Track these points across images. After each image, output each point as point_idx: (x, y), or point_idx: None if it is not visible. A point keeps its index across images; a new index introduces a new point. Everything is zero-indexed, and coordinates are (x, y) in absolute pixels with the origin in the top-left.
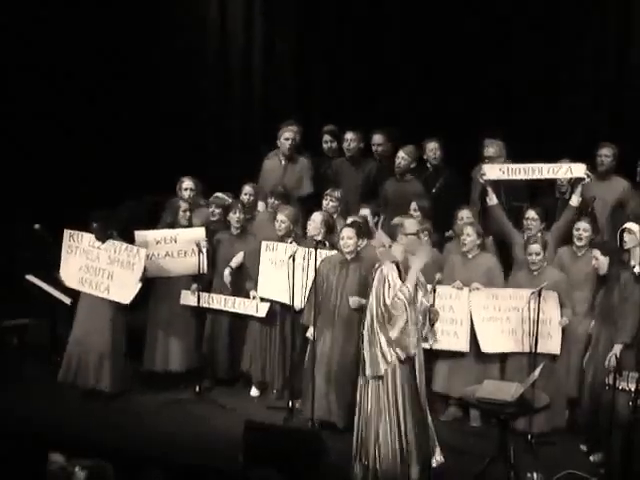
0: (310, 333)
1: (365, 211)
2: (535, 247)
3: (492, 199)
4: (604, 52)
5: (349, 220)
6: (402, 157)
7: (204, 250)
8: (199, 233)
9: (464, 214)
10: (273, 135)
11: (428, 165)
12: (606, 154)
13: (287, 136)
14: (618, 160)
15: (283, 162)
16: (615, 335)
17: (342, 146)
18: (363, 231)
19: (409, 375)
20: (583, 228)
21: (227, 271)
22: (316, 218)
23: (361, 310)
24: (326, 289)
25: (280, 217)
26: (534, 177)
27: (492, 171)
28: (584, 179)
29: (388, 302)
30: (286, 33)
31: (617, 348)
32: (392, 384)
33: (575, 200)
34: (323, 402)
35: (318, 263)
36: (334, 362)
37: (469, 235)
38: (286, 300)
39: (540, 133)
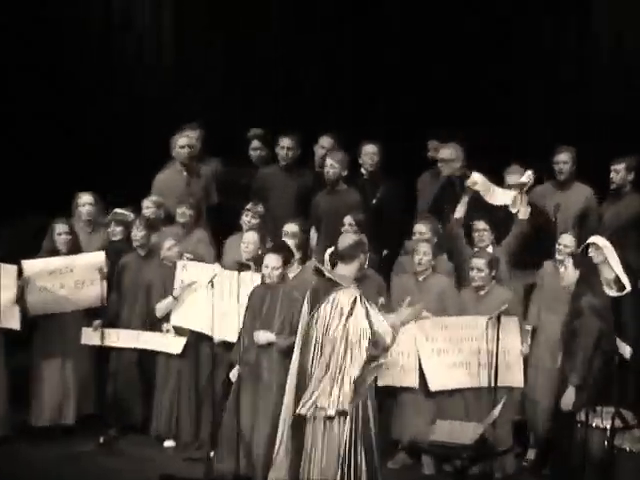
0: (234, 374)
1: (291, 227)
2: (478, 262)
3: (460, 211)
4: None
5: (272, 244)
6: (330, 164)
7: (104, 284)
8: (99, 258)
9: (420, 228)
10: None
11: (363, 172)
12: (564, 160)
13: (183, 143)
14: (581, 164)
15: (184, 174)
16: (568, 374)
17: (275, 153)
18: (290, 256)
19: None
20: (564, 243)
21: (164, 302)
22: (250, 238)
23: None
24: (254, 321)
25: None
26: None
27: (482, 182)
28: (525, 185)
29: (353, 337)
30: None
31: (570, 391)
32: (350, 424)
33: (523, 212)
34: (246, 453)
35: (249, 290)
36: (260, 409)
37: (425, 254)
38: (205, 330)
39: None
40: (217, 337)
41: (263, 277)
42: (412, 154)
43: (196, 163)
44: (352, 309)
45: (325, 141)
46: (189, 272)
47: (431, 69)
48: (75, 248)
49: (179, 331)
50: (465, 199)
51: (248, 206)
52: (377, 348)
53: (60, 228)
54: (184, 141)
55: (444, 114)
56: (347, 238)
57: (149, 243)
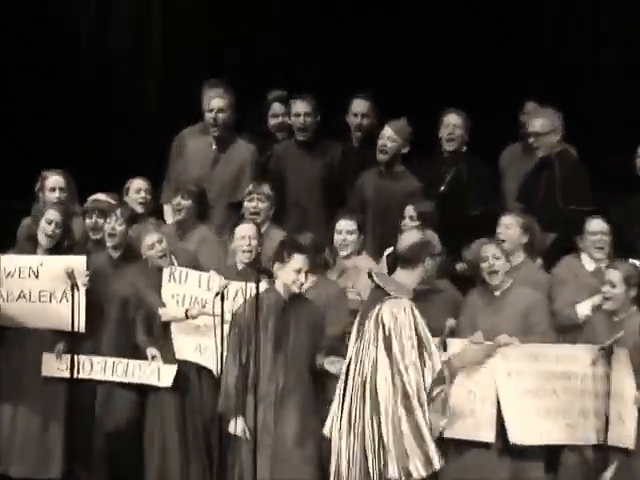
0: (239, 428)
1: (347, 225)
2: (613, 275)
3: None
4: None
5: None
6: (389, 136)
7: (82, 291)
8: (77, 263)
9: (508, 221)
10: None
11: (443, 150)
12: None
13: (215, 105)
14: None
15: (214, 146)
16: None
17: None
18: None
19: None
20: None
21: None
22: (248, 230)
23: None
24: (256, 349)
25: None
26: None
27: None
28: None
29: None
30: None
31: None
32: None
33: None
34: None
35: (231, 311)
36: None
37: (496, 257)
38: (204, 361)
39: None
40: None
41: (288, 287)
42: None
43: (229, 135)
44: (395, 325)
45: (359, 105)
46: (180, 283)
47: (431, 69)
48: (60, 246)
49: (167, 357)
50: None
51: (250, 187)
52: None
53: (52, 215)
54: (218, 103)
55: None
56: (411, 236)
57: (125, 242)
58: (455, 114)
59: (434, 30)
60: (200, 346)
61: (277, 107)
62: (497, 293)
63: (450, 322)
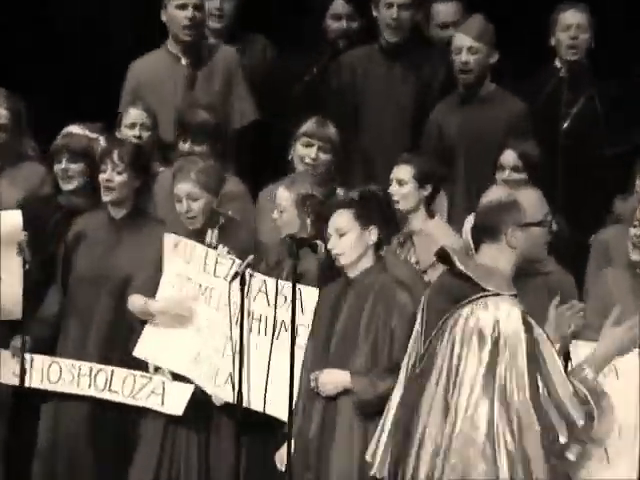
0: (281, 458)
1: (399, 172)
2: None
3: None
4: None
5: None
6: (468, 47)
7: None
8: (13, 221)
9: None
10: None
11: (558, 65)
12: None
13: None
14: None
15: (183, 61)
16: None
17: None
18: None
19: None
20: None
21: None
22: (283, 195)
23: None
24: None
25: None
26: None
27: None
28: None
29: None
30: None
31: None
32: None
33: None
34: None
35: (310, 296)
36: None
37: None
38: (203, 380)
39: None
40: (223, 396)
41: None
42: None
43: (207, 43)
44: (503, 343)
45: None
46: (185, 255)
47: None
48: None
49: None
50: None
51: (304, 128)
52: (560, 431)
53: None
54: None
55: None
56: (491, 194)
57: (132, 197)
58: (576, 10)
59: None
60: (199, 356)
61: (339, 5)
62: None
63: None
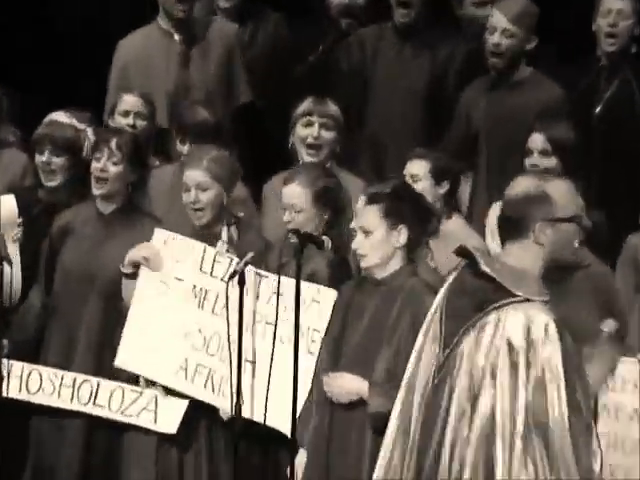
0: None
1: (414, 167)
2: None
3: None
4: None
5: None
6: (503, 29)
7: (14, 259)
8: (10, 205)
9: None
10: None
11: (598, 54)
12: None
13: None
14: None
15: (176, 37)
16: None
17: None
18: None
19: None
20: None
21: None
22: (295, 193)
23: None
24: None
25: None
26: None
27: None
28: None
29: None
30: None
31: None
32: None
33: None
34: None
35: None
36: None
37: None
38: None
39: None
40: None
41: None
42: None
43: (202, 18)
44: (531, 349)
45: None
46: (174, 254)
47: None
48: None
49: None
50: None
51: (306, 104)
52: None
53: None
54: None
55: None
56: (518, 184)
57: (125, 191)
58: None
59: None
60: (187, 363)
61: None
62: None
63: (609, 325)
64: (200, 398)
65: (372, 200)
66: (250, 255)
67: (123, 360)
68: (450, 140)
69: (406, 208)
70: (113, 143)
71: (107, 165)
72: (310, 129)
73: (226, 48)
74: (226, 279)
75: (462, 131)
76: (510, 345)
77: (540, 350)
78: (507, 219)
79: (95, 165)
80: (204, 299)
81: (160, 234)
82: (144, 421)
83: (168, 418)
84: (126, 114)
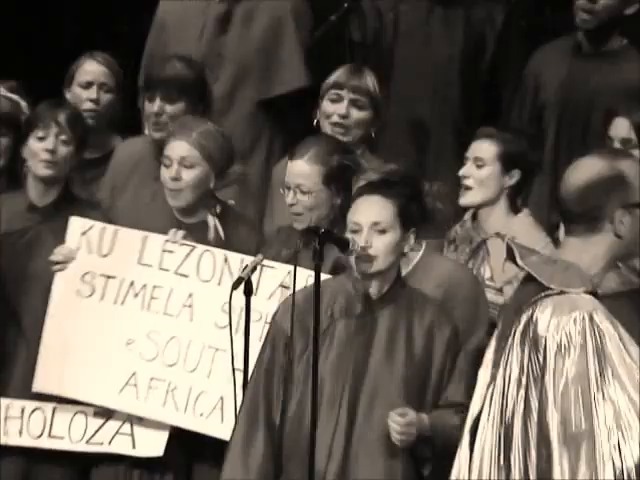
0: None
1: (477, 149)
2: None
3: None
4: None
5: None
6: None
7: None
8: None
9: None
10: None
11: None
12: None
13: None
14: None
15: None
16: None
17: None
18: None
19: None
20: None
21: None
22: (303, 170)
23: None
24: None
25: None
26: None
27: None
28: None
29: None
30: None
31: None
32: None
33: None
34: None
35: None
36: None
37: None
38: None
39: None
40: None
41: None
42: None
43: None
44: (562, 345)
45: None
46: (97, 247)
47: None
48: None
49: None
50: None
51: (338, 75)
52: None
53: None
54: None
55: None
56: (584, 168)
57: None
58: None
59: None
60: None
61: None
62: None
63: None
64: (159, 419)
65: (389, 194)
66: (260, 257)
67: (43, 383)
68: (510, 121)
69: (418, 209)
70: (63, 118)
71: (56, 144)
72: (338, 105)
73: (278, 17)
74: (230, 287)
75: (531, 103)
76: (537, 341)
77: (570, 344)
78: (573, 212)
79: (39, 145)
80: (151, 298)
81: (76, 223)
82: (119, 447)
83: (150, 440)
84: (88, 85)
